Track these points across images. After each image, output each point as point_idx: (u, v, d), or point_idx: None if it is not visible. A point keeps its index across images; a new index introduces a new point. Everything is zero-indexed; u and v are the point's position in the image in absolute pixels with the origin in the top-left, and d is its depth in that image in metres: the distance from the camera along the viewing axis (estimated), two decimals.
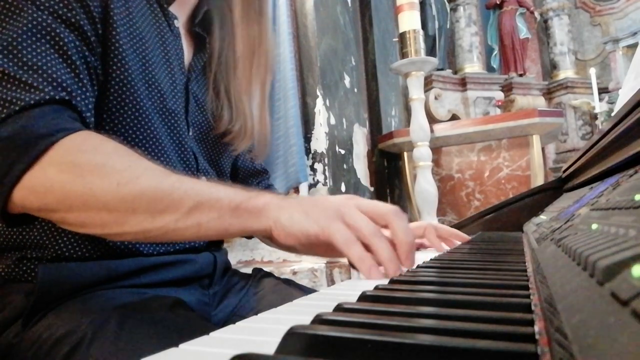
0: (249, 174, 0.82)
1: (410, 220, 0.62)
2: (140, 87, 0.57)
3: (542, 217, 0.76)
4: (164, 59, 0.61)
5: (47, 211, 0.45)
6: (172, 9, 0.64)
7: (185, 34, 0.67)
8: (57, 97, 0.46)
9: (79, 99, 0.49)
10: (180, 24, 0.65)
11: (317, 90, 2.31)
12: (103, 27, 0.53)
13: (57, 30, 0.48)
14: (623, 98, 0.77)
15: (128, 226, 0.44)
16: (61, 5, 0.49)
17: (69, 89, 0.48)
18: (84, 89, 0.50)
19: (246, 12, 0.70)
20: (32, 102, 0.44)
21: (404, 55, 2.46)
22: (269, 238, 0.73)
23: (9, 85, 0.45)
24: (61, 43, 0.48)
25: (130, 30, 0.56)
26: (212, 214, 0.44)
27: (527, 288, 0.28)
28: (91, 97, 0.51)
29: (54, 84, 0.46)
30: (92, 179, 0.43)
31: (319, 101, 2.30)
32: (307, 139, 2.29)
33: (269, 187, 0.84)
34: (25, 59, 0.46)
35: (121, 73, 0.55)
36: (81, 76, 0.50)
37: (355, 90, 2.76)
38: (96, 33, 0.52)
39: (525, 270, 0.38)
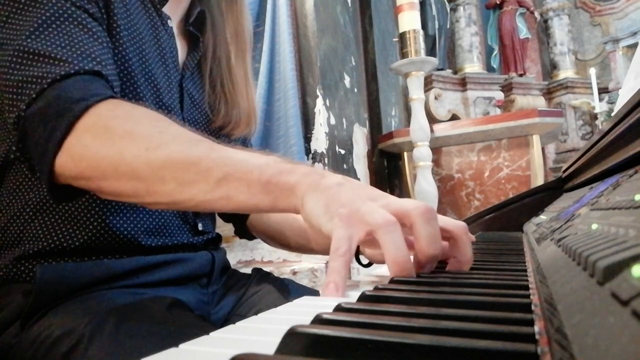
0: None
1: None
2: (139, 80, 0.58)
3: (542, 217, 0.76)
4: (159, 56, 0.63)
5: (84, 179, 0.45)
6: (166, 9, 0.66)
7: (179, 33, 0.69)
8: (87, 68, 0.47)
9: (109, 67, 0.50)
10: (174, 24, 0.67)
11: (317, 90, 2.31)
12: (106, 19, 0.55)
13: (77, 13, 0.50)
14: (623, 98, 0.77)
15: (159, 196, 0.44)
16: None
17: (102, 62, 0.49)
18: (113, 66, 0.52)
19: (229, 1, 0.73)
20: (63, 72, 0.46)
21: (404, 55, 2.47)
22: (281, 242, 0.74)
23: (38, 64, 0.46)
24: (85, 22, 0.50)
25: (129, 25, 0.58)
26: (242, 188, 0.42)
27: (527, 288, 0.28)
28: (115, 72, 0.53)
29: (85, 56, 0.48)
30: (122, 144, 0.43)
31: (319, 101, 2.31)
32: (307, 139, 2.30)
33: None
34: (54, 39, 0.48)
35: (122, 64, 0.56)
36: (108, 54, 0.52)
37: (355, 90, 2.76)
38: (104, 21, 0.54)
39: (525, 270, 0.38)
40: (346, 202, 0.38)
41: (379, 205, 0.37)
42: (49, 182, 0.45)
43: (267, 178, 0.41)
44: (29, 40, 0.47)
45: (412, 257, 0.37)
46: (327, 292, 0.35)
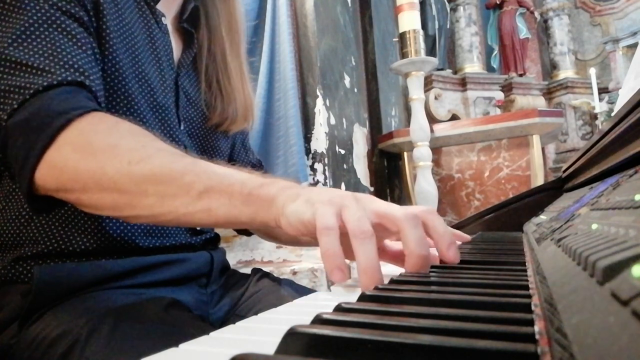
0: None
1: None
2: (131, 81, 0.58)
3: (542, 217, 0.76)
4: (153, 54, 0.62)
5: (64, 191, 0.45)
6: (159, 6, 0.65)
7: (174, 30, 0.68)
8: (69, 79, 0.47)
9: (92, 77, 0.50)
10: (168, 21, 0.67)
11: (317, 90, 2.31)
12: (95, 21, 0.54)
13: (62, 19, 0.49)
14: (623, 98, 0.76)
15: (139, 209, 0.44)
16: None
17: (85, 73, 0.49)
18: (98, 74, 0.52)
19: None
20: (45, 83, 0.45)
21: (404, 55, 2.47)
22: (271, 235, 0.74)
23: (21, 73, 0.46)
24: (69, 29, 0.50)
25: (120, 25, 0.57)
26: (223, 200, 0.42)
27: (527, 288, 0.28)
28: (101, 80, 0.53)
29: (67, 67, 0.47)
30: (104, 158, 0.43)
31: (319, 101, 2.30)
32: (307, 139, 2.29)
33: None
34: (37, 48, 0.47)
35: (112, 66, 0.56)
36: (93, 63, 0.51)
37: (355, 90, 2.76)
38: (92, 24, 0.54)
39: (526, 270, 0.38)
40: (330, 198, 0.38)
41: (363, 206, 0.38)
42: (29, 193, 0.45)
43: (249, 190, 0.42)
44: (11, 48, 0.46)
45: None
46: (335, 278, 0.35)
